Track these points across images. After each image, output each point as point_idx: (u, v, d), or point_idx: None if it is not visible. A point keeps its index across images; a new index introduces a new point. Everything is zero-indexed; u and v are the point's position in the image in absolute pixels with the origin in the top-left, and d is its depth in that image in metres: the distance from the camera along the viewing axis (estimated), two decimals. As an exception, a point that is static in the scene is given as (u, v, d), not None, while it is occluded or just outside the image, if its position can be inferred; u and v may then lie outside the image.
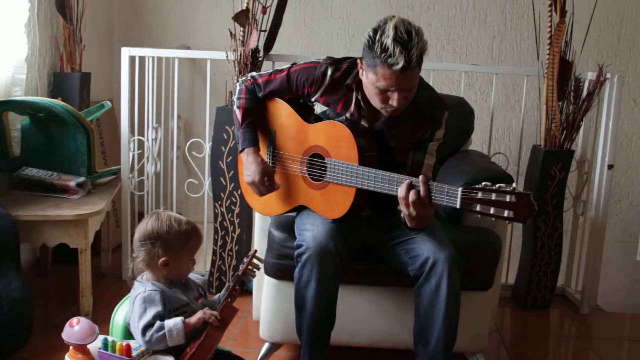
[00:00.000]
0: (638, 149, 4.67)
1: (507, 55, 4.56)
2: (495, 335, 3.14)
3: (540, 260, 3.45)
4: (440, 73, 4.42)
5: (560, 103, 3.32)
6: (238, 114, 2.55)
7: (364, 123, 2.41)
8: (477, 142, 4.07)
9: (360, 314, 2.61)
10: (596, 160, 3.48)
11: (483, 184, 2.03)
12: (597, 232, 3.48)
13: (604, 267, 3.57)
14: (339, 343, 2.55)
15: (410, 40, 2.13)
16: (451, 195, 2.08)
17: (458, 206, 2.07)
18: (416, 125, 2.40)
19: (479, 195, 2.02)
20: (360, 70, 2.31)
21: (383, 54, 2.14)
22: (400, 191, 2.16)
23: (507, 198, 1.98)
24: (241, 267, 2.18)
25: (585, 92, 3.35)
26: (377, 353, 2.79)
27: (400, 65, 2.12)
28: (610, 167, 3.39)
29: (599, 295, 3.57)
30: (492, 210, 2.01)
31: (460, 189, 2.06)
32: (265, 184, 2.48)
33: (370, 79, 2.23)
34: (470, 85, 4.54)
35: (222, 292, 2.16)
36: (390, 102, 2.24)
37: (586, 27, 3.43)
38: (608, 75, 3.33)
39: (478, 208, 2.02)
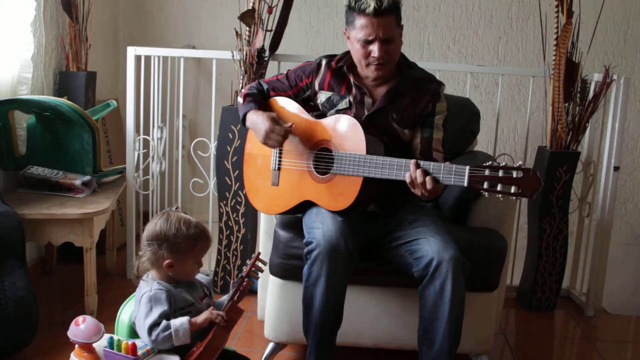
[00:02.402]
0: (644, 151, 4.66)
1: (513, 56, 4.55)
2: (500, 337, 3.14)
3: (546, 262, 3.45)
4: (445, 74, 4.41)
5: (566, 104, 3.31)
6: (240, 100, 2.62)
7: (367, 100, 2.49)
8: (483, 143, 4.06)
9: (365, 314, 2.60)
10: (602, 162, 3.47)
11: (490, 162, 2.11)
12: (603, 234, 3.47)
13: (609, 269, 3.56)
14: (344, 343, 2.55)
15: None
16: (459, 175, 2.14)
17: (466, 184, 2.13)
18: (416, 97, 2.50)
19: (486, 172, 2.09)
20: (348, 41, 2.49)
21: (357, 3, 2.35)
22: (414, 174, 2.20)
23: (514, 174, 2.06)
24: (244, 268, 2.18)
25: (591, 94, 3.34)
26: (382, 354, 2.79)
27: (371, 7, 2.32)
28: (616, 169, 3.39)
29: (604, 297, 3.56)
30: (499, 187, 2.07)
31: (467, 167, 2.12)
32: (279, 127, 2.43)
33: (353, 37, 2.43)
34: (475, 86, 4.54)
35: (228, 293, 2.16)
36: (372, 54, 2.39)
37: (592, 29, 3.42)
38: (614, 77, 3.32)
39: (485, 186, 2.09)
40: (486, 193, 2.10)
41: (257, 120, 2.48)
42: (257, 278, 2.21)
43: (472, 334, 2.55)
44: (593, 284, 3.50)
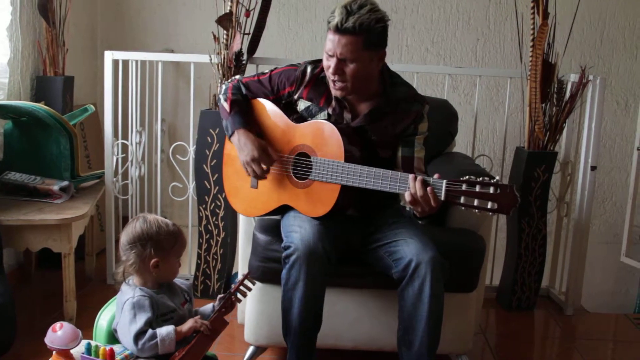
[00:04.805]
0: (621, 151, 4.70)
1: (491, 57, 4.58)
2: (480, 337, 3.15)
3: (525, 261, 3.47)
4: (424, 75, 4.43)
5: (543, 105, 3.33)
6: (225, 105, 2.56)
7: (346, 115, 2.46)
8: (461, 144, 4.08)
9: (345, 316, 2.61)
10: (579, 161, 3.50)
11: (467, 176, 2.10)
12: (581, 233, 3.50)
13: (588, 268, 3.59)
14: (324, 346, 2.55)
15: (357, 9, 2.28)
16: (436, 188, 2.14)
17: (442, 198, 2.13)
18: (396, 119, 2.46)
19: (463, 187, 2.09)
20: None
21: (330, 16, 2.32)
22: (413, 188, 2.16)
23: (491, 190, 2.05)
24: (233, 286, 2.18)
25: (568, 94, 3.36)
26: (362, 356, 2.79)
27: (334, 22, 2.28)
28: (593, 168, 3.41)
29: (583, 296, 3.59)
30: (476, 202, 2.07)
31: (444, 181, 2.12)
32: (266, 158, 2.45)
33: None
34: (454, 88, 4.56)
35: (215, 305, 2.16)
36: (329, 69, 2.36)
37: (569, 29, 3.45)
38: (590, 77, 3.35)
39: (462, 200, 2.09)
40: (462, 208, 2.11)
41: (247, 144, 2.45)
42: (245, 296, 2.20)
43: (452, 334, 2.56)
44: (572, 283, 3.53)
